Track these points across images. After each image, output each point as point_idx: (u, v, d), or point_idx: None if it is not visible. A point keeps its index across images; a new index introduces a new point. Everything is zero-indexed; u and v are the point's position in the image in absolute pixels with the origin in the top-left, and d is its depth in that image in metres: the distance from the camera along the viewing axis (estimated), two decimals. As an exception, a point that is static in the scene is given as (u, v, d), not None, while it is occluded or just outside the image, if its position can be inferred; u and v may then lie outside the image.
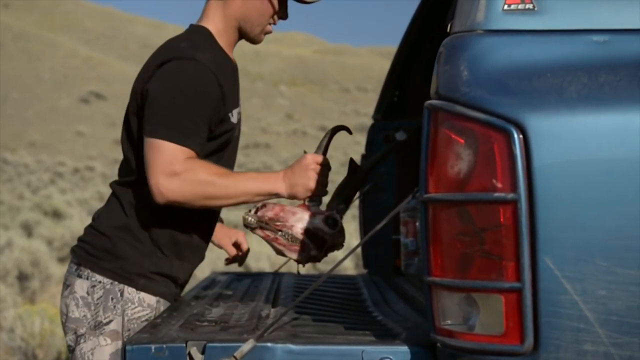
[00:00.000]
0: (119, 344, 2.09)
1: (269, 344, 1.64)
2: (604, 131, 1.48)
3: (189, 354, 1.63)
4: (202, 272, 8.52)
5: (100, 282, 2.12)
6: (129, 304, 2.11)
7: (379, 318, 2.11)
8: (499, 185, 1.48)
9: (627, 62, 1.52)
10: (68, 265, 2.23)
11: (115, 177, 2.26)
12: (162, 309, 2.17)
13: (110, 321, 2.10)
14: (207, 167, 2.05)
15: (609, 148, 1.47)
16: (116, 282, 2.12)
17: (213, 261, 8.80)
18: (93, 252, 2.15)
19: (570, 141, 1.47)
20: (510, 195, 1.47)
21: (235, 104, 2.22)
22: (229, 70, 2.20)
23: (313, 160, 2.16)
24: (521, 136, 1.48)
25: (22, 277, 8.59)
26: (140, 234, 2.14)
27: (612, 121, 1.49)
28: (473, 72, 1.54)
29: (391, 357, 1.63)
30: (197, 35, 2.19)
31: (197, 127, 2.06)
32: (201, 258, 2.28)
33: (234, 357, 1.61)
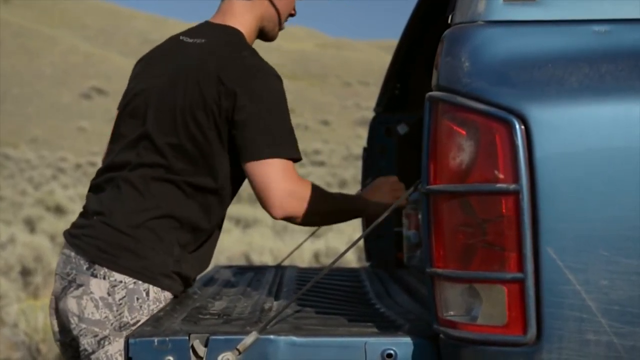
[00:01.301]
0: None
1: (271, 337, 1.64)
2: (605, 121, 1.48)
3: (192, 346, 1.63)
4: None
5: (121, 281, 2.04)
6: (156, 303, 2.06)
7: (382, 310, 2.12)
8: (501, 176, 1.48)
9: (628, 52, 1.52)
10: (69, 260, 2.11)
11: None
12: None
13: (138, 321, 2.03)
14: (315, 186, 2.15)
15: (610, 138, 1.47)
16: (140, 282, 2.05)
17: (215, 256, 8.82)
18: (109, 249, 2.06)
19: (572, 132, 1.47)
20: (512, 186, 1.47)
21: None
22: None
23: (386, 180, 2.34)
24: (523, 127, 1.48)
25: (25, 273, 8.61)
26: (162, 233, 2.08)
27: (614, 111, 1.49)
28: (474, 63, 1.54)
29: (394, 348, 1.64)
30: (243, 40, 2.20)
31: (294, 134, 2.14)
32: (211, 257, 2.28)
33: (237, 349, 1.61)
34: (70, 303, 2.07)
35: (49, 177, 26.24)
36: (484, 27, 1.58)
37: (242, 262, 8.71)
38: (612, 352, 1.46)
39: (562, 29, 1.56)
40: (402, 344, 1.64)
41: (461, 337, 1.54)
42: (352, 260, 9.46)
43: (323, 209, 2.16)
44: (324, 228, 12.09)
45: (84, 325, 2.05)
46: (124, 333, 2.01)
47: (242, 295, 2.36)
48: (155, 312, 2.04)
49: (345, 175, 24.57)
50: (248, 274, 2.93)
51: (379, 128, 3.49)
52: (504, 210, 1.48)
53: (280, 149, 2.06)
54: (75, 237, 2.13)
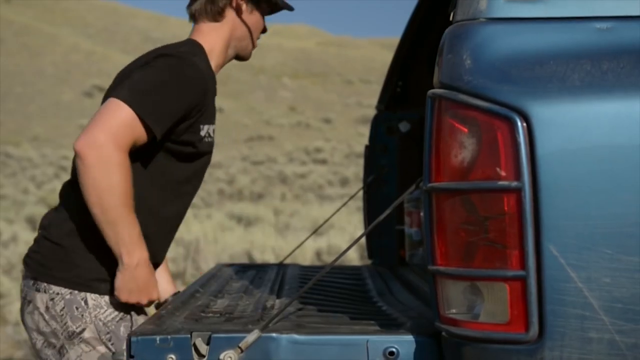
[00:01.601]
0: (102, 348, 2.08)
1: (273, 334, 1.64)
2: (607, 119, 1.48)
3: (194, 344, 1.63)
4: (206, 264, 8.53)
5: (58, 293, 2.09)
6: (98, 309, 2.09)
7: (384, 308, 2.12)
8: (503, 173, 1.48)
9: (630, 49, 1.52)
10: (23, 279, 2.19)
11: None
12: (133, 306, 2.14)
13: (84, 329, 2.08)
14: (125, 181, 1.97)
15: (612, 135, 1.47)
16: (76, 292, 2.09)
17: (217, 254, 8.81)
18: (46, 263, 2.12)
19: (573, 129, 1.47)
20: (514, 184, 1.47)
21: (211, 121, 2.21)
22: (213, 86, 2.22)
23: (155, 293, 2.10)
24: (524, 124, 1.48)
25: (27, 271, 8.61)
26: (93, 239, 2.08)
27: (616, 109, 1.48)
28: (476, 61, 1.53)
29: (396, 346, 1.63)
30: (195, 47, 2.22)
31: (166, 115, 2.03)
32: (161, 250, 2.25)
33: (239, 347, 1.61)
34: (28, 320, 2.15)
35: (51, 175, 26.24)
36: (486, 24, 1.58)
37: (244, 260, 8.72)
38: (614, 349, 1.46)
39: (564, 26, 1.56)
40: (404, 341, 1.64)
41: (463, 335, 1.53)
42: (355, 258, 9.46)
43: (94, 194, 1.95)
44: (326, 226, 12.10)
45: (42, 338, 2.12)
46: (75, 341, 2.08)
47: (244, 293, 2.36)
48: (101, 318, 2.08)
49: (347, 173, 24.57)
50: (250, 272, 2.93)
51: (380, 126, 3.49)
52: (505, 208, 1.48)
53: (127, 96, 1.99)
54: (26, 256, 2.21)
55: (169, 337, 1.64)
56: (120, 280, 2.03)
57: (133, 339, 1.65)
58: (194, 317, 1.86)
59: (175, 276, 7.77)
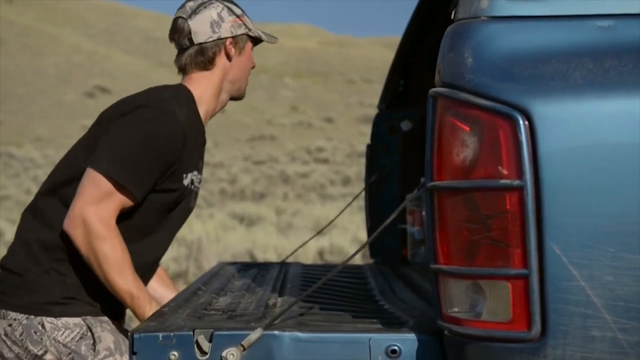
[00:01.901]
0: None
1: (276, 332, 1.64)
2: (609, 117, 1.48)
3: (197, 342, 1.63)
4: (209, 263, 8.54)
5: (15, 319, 2.12)
6: (55, 331, 2.11)
7: (386, 307, 2.12)
8: (505, 172, 1.48)
9: (632, 47, 1.52)
10: None
11: None
12: (93, 322, 2.16)
13: (46, 351, 2.10)
14: (118, 251, 2.07)
15: (614, 133, 1.47)
16: (32, 316, 2.11)
17: (219, 253, 8.81)
18: (4, 290, 2.16)
19: (575, 127, 1.47)
20: (516, 182, 1.47)
21: (193, 168, 2.22)
22: (198, 134, 2.23)
23: None
24: (526, 122, 1.47)
25: (30, 272, 8.61)
26: (44, 264, 2.14)
27: (618, 106, 1.48)
28: (477, 59, 1.53)
29: (398, 344, 1.63)
30: (180, 91, 2.23)
31: (146, 178, 2.08)
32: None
33: (242, 345, 1.61)
34: None
35: (53, 175, 26.21)
36: (487, 22, 1.57)
37: (246, 259, 8.72)
38: (616, 348, 1.46)
39: (566, 24, 1.56)
40: (407, 340, 1.64)
41: (465, 334, 1.53)
42: (357, 257, 9.44)
43: (96, 265, 2.08)
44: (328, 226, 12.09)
45: None
46: None
47: (246, 291, 2.36)
48: (60, 339, 2.10)
49: (348, 173, 24.57)
50: (252, 270, 2.93)
51: (382, 125, 3.49)
52: (507, 206, 1.48)
53: (110, 167, 2.06)
54: None
55: (171, 334, 1.64)
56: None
57: (136, 336, 1.65)
58: (197, 315, 1.86)
59: (178, 275, 7.76)
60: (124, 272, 2.08)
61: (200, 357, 1.62)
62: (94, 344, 2.13)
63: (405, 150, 3.39)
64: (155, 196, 2.15)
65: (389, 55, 3.76)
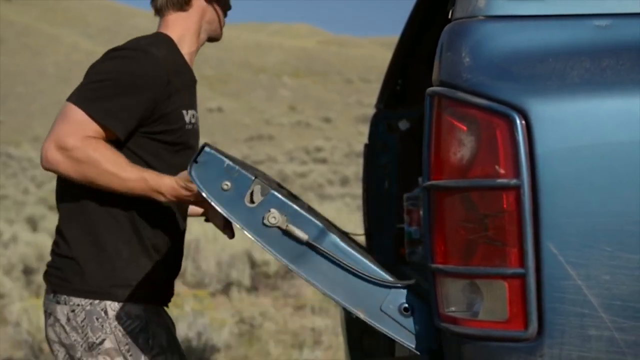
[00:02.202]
0: (121, 359, 2.09)
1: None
2: (606, 116, 1.48)
3: (252, 190, 1.64)
4: (206, 263, 8.52)
5: (78, 304, 2.10)
6: (117, 320, 2.10)
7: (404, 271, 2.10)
8: (502, 171, 1.48)
9: (629, 46, 1.52)
10: (45, 293, 2.20)
11: None
12: (151, 315, 2.14)
13: (104, 340, 2.08)
14: (102, 150, 2.00)
15: (611, 133, 1.47)
16: (96, 302, 2.09)
17: (217, 254, 8.80)
18: (63, 276, 2.13)
19: (572, 126, 1.47)
20: (513, 181, 1.47)
21: (188, 106, 2.20)
22: (184, 73, 2.20)
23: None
24: (523, 122, 1.47)
25: (28, 271, 8.62)
26: (101, 246, 2.11)
27: (615, 106, 1.48)
28: (475, 58, 1.53)
29: (413, 304, 1.65)
30: (158, 37, 2.22)
31: (124, 112, 2.03)
32: (176, 255, 2.26)
33: (286, 214, 1.63)
34: (50, 333, 2.16)
35: (52, 176, 26.22)
36: (485, 22, 1.57)
37: (244, 260, 8.71)
38: (613, 347, 1.46)
39: (563, 24, 1.56)
40: (420, 302, 1.65)
41: (463, 333, 1.53)
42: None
43: (94, 177, 2.01)
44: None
45: (64, 351, 2.13)
46: (94, 352, 2.08)
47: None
48: (121, 328, 2.08)
49: (347, 172, 24.57)
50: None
51: (380, 124, 3.49)
52: (505, 206, 1.48)
53: (79, 98, 2.02)
54: (45, 271, 2.22)
55: (237, 167, 1.65)
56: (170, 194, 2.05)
57: (207, 149, 1.65)
58: (267, 179, 1.83)
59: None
60: (121, 164, 2.01)
61: (247, 203, 1.63)
62: (149, 339, 2.12)
63: (403, 149, 3.39)
64: (157, 137, 2.12)
65: (388, 55, 3.76)
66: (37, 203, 16.00)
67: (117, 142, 2.07)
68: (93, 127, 2.01)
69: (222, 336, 6.30)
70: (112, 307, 2.10)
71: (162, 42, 2.19)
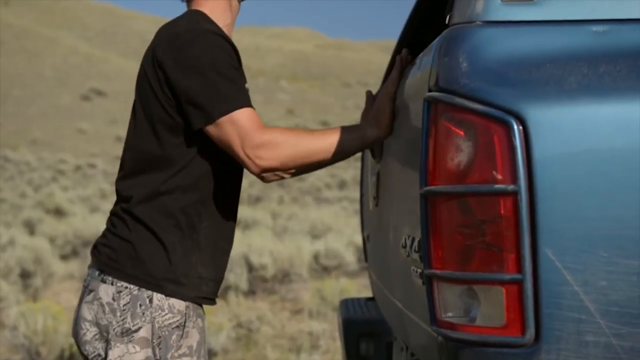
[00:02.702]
0: (149, 351, 2.04)
1: None
2: (604, 122, 1.48)
3: None
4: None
5: (127, 287, 2.05)
6: (159, 311, 2.05)
7: None
8: (499, 176, 1.48)
9: (626, 52, 1.52)
10: (89, 268, 2.16)
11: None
12: (191, 314, 2.11)
13: (140, 328, 2.03)
14: (287, 129, 2.02)
15: (609, 139, 1.47)
16: (144, 289, 2.06)
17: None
18: (116, 257, 2.08)
19: (570, 132, 1.47)
20: (511, 187, 1.47)
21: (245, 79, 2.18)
22: (233, 44, 2.14)
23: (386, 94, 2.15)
24: (521, 127, 1.47)
25: (25, 275, 8.61)
26: (163, 237, 2.08)
27: (612, 111, 1.48)
28: (472, 64, 1.53)
29: None
30: (193, 15, 2.15)
31: (242, 87, 2.03)
32: (227, 254, 2.22)
33: None
34: (83, 310, 2.10)
35: (49, 179, 26.22)
36: (482, 27, 1.57)
37: (241, 263, 8.70)
38: (610, 353, 1.46)
39: (560, 29, 1.56)
40: None
41: (460, 339, 1.53)
42: (353, 261, 9.46)
43: (306, 149, 2.01)
44: (324, 229, 12.11)
45: (95, 330, 2.07)
46: (126, 339, 2.02)
47: None
48: (159, 320, 2.04)
49: (344, 176, 24.59)
50: None
51: (378, 129, 3.48)
52: (502, 211, 1.48)
53: (226, 106, 1.98)
54: (94, 246, 2.17)
55: None
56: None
57: None
58: None
59: (173, 279, 7.72)
60: (313, 135, 2.03)
61: None
62: (181, 337, 2.09)
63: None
64: None
65: (386, 59, 3.76)
66: (34, 207, 15.99)
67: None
68: (254, 114, 2.02)
69: (219, 340, 6.30)
70: (158, 297, 2.06)
71: (200, 18, 2.12)
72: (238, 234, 11.09)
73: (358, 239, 9.59)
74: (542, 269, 1.46)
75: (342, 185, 23.75)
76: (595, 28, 1.55)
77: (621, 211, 1.46)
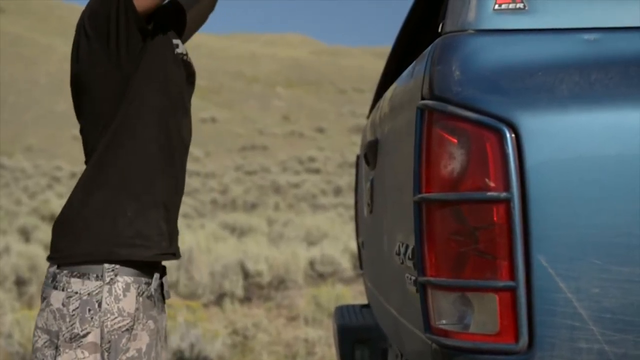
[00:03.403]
0: (98, 356, 2.04)
1: None
2: (595, 129, 1.48)
3: None
4: (199, 274, 8.50)
5: (76, 292, 2.06)
6: (108, 315, 2.06)
7: None
8: (492, 184, 1.49)
9: (617, 60, 1.53)
10: (44, 278, 2.16)
11: None
12: (141, 316, 2.11)
13: (88, 333, 2.04)
14: None
15: (600, 146, 1.48)
16: (93, 293, 2.06)
17: (210, 264, 8.79)
18: (61, 247, 2.09)
19: (562, 139, 1.48)
20: (503, 194, 1.47)
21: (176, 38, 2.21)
22: None
23: None
24: (513, 135, 1.48)
25: (20, 282, 8.59)
26: (96, 208, 2.07)
27: (604, 119, 1.49)
28: (465, 72, 1.54)
29: None
30: None
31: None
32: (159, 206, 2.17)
33: None
34: (37, 319, 2.11)
35: (44, 186, 26.18)
36: (475, 35, 1.58)
37: (237, 271, 8.69)
38: (603, 359, 1.46)
39: (552, 38, 1.57)
40: None
41: (453, 346, 1.53)
42: (348, 268, 9.46)
43: None
44: (319, 236, 12.10)
45: (45, 337, 2.08)
46: (74, 345, 2.03)
47: None
48: (108, 324, 2.04)
49: (340, 183, 24.60)
50: None
51: (372, 136, 3.49)
52: (495, 219, 1.48)
53: None
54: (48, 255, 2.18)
55: None
56: None
57: None
58: None
59: (169, 286, 7.73)
60: None
61: None
62: (129, 340, 2.09)
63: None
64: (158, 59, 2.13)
65: (381, 65, 3.77)
66: (30, 214, 15.95)
67: None
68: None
69: (215, 347, 6.29)
70: (107, 301, 2.06)
71: None
72: (234, 240, 11.09)
73: (354, 246, 9.59)
74: (535, 276, 1.46)
75: (337, 191, 23.77)
76: (587, 36, 1.56)
77: (613, 218, 1.47)
